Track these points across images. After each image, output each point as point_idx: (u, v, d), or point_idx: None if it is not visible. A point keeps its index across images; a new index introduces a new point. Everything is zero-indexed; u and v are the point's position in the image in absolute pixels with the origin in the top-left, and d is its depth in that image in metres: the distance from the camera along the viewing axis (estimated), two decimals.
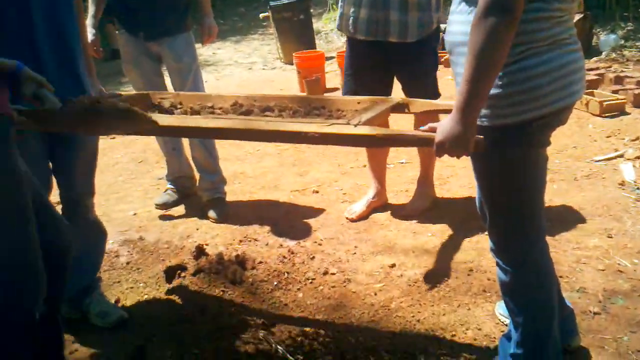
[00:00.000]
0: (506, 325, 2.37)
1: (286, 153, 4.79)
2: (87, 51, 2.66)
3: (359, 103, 2.38)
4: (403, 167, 4.18)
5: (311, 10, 8.90)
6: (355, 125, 1.97)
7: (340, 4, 3.24)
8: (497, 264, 2.00)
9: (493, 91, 1.65)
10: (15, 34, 2.17)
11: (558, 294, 2.12)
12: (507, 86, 1.68)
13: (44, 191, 2.33)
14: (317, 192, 3.98)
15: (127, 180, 4.58)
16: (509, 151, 1.78)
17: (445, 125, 1.67)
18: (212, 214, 3.69)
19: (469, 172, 3.99)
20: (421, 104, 2.37)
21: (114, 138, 5.70)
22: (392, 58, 3.19)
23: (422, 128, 1.81)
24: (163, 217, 3.79)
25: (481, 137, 1.67)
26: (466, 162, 4.15)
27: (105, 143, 5.52)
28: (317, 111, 2.35)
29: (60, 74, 2.26)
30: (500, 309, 2.49)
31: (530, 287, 1.96)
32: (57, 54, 2.30)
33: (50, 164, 2.53)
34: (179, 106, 2.59)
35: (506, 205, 1.89)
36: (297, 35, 8.46)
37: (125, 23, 3.62)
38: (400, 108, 2.35)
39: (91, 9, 3.48)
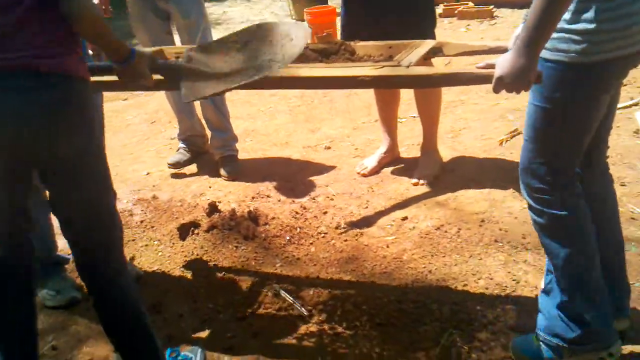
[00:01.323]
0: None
1: (298, 110, 4.76)
2: None
3: (390, 48, 2.36)
4: (415, 121, 4.14)
5: None
6: (407, 67, 1.94)
7: None
8: (529, 207, 1.94)
9: (583, 26, 1.63)
10: None
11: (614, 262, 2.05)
12: (601, 22, 1.64)
13: None
14: (329, 148, 3.97)
15: (140, 141, 4.60)
16: (581, 88, 1.74)
17: (506, 60, 1.66)
18: (223, 171, 3.71)
19: (482, 125, 3.97)
20: (455, 46, 2.34)
21: (126, 99, 5.72)
22: (388, 5, 3.07)
23: (478, 65, 1.79)
24: (176, 176, 3.81)
25: (540, 71, 1.66)
26: (480, 114, 4.12)
27: (118, 105, 5.55)
28: (351, 55, 2.34)
29: None
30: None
31: (563, 222, 1.88)
32: None
33: None
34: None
35: (555, 131, 1.83)
36: None
37: None
38: (435, 52, 2.33)
39: None
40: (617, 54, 1.67)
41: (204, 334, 2.38)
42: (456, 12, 6.70)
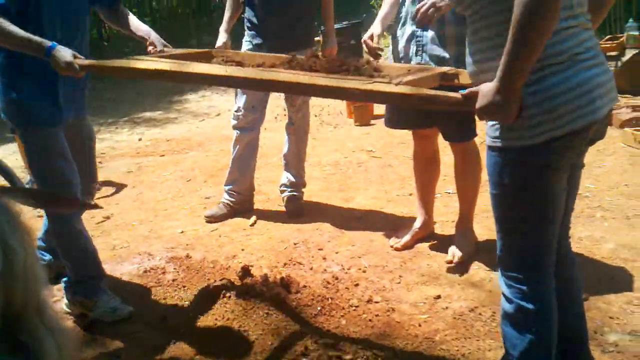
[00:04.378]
0: None
1: (332, 178, 4.81)
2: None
3: (409, 71, 2.39)
4: (450, 198, 4.15)
5: (362, 35, 8.96)
6: (397, 84, 1.97)
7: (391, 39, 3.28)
8: (502, 292, 1.97)
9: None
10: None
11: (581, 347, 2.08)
12: (525, 108, 1.69)
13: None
14: (362, 218, 3.98)
15: (175, 198, 4.66)
16: (524, 170, 1.78)
17: (486, 92, 1.69)
18: (289, 207, 4.10)
19: None
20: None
21: (163, 155, 5.83)
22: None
23: (462, 92, 1.80)
24: (210, 236, 3.84)
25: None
26: None
27: (155, 160, 5.66)
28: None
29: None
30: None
31: (530, 316, 1.89)
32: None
33: None
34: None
35: (514, 218, 1.87)
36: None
37: (252, 31, 3.88)
38: (449, 78, 2.35)
39: (226, 14, 3.92)
40: (548, 135, 1.70)
41: None
42: None
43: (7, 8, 2.46)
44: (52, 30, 2.59)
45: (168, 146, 6.27)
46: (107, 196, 4.78)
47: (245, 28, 3.98)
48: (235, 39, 4.00)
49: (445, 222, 3.79)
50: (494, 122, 1.80)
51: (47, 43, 2.45)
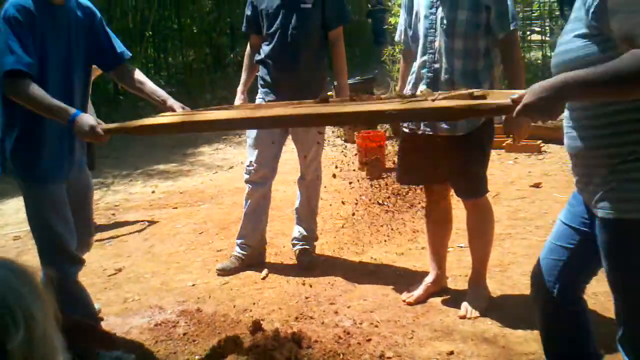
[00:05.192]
0: None
1: (342, 231, 4.81)
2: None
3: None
4: (462, 252, 4.13)
5: (374, 90, 9.09)
6: (433, 100, 1.97)
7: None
8: None
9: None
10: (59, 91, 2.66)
11: None
12: None
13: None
14: (374, 272, 3.96)
15: (187, 251, 4.67)
16: None
17: (538, 90, 1.66)
18: (301, 261, 4.14)
19: (531, 261, 3.90)
20: (499, 94, 2.34)
21: (176, 208, 5.87)
22: (440, 152, 3.19)
23: (512, 97, 1.77)
24: (221, 289, 3.83)
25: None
26: (528, 249, 4.08)
27: (168, 212, 5.69)
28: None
29: None
30: None
31: None
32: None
33: None
34: None
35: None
36: None
37: (265, 88, 3.98)
38: (477, 99, 2.35)
39: (243, 75, 4.08)
40: None
41: None
42: (504, 144, 6.81)
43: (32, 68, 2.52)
44: (55, 89, 2.62)
45: (181, 198, 6.32)
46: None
47: (259, 85, 4.07)
48: (250, 95, 4.10)
49: (459, 276, 3.76)
50: (610, 190, 1.76)
51: (72, 110, 2.50)
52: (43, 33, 2.60)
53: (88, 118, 2.51)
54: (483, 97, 2.31)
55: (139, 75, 2.98)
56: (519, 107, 1.71)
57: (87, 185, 3.08)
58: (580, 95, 1.67)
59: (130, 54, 3.06)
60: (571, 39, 1.76)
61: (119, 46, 2.94)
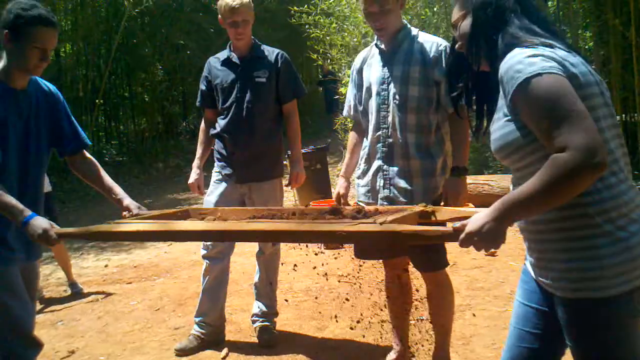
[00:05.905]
0: None
1: (304, 305, 4.76)
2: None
3: (380, 212, 2.43)
4: (424, 324, 4.12)
5: (326, 160, 9.19)
6: (381, 224, 1.99)
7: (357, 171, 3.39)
8: None
9: (597, 263, 1.70)
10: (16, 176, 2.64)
11: None
12: (613, 256, 1.69)
13: None
14: (337, 348, 3.91)
15: (142, 329, 4.53)
16: (609, 321, 1.76)
17: (479, 219, 1.71)
18: (262, 339, 4.03)
19: (492, 331, 3.95)
20: (449, 212, 2.37)
21: (130, 283, 5.72)
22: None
23: (454, 225, 1.80)
24: None
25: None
26: (489, 320, 4.11)
27: (122, 288, 5.54)
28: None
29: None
30: None
31: None
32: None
33: None
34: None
35: None
36: (314, 183, 8.64)
37: (221, 162, 4.00)
38: (426, 216, 2.38)
39: (198, 150, 4.07)
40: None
41: None
42: None
43: None
44: (12, 174, 2.60)
45: (135, 272, 6.17)
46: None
47: (215, 159, 4.08)
48: (206, 169, 4.08)
49: (422, 349, 3.74)
50: (567, 270, 1.78)
51: (27, 212, 2.46)
52: (5, 117, 2.57)
53: (42, 222, 2.46)
54: (433, 213, 2.39)
55: (96, 167, 2.93)
56: (462, 235, 1.75)
57: (35, 272, 2.98)
58: (520, 216, 1.73)
59: (90, 142, 3.02)
60: (502, 124, 1.84)
61: (80, 132, 2.91)
